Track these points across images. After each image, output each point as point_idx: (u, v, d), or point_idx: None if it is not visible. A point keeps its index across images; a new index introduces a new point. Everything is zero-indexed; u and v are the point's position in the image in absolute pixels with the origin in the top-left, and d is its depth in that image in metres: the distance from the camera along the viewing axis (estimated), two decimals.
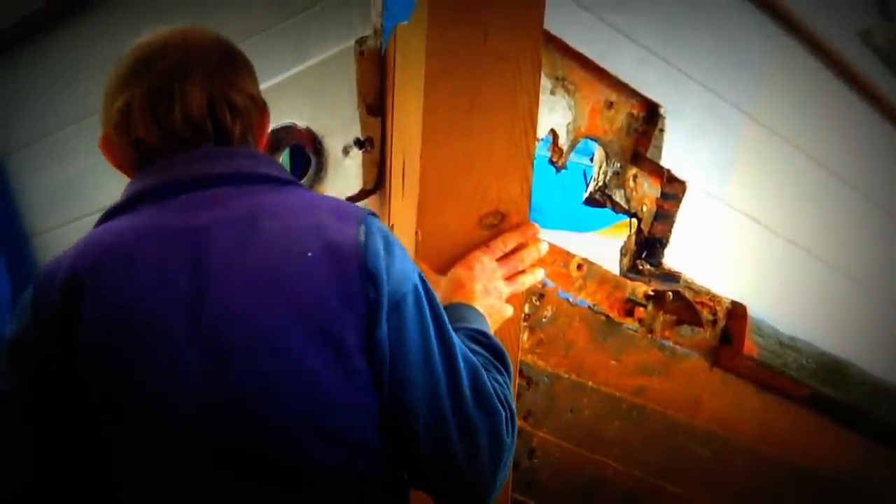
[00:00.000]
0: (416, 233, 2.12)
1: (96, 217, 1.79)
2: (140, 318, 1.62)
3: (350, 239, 1.67)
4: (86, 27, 2.99)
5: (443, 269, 2.09)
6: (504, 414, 1.75)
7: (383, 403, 1.67)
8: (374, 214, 1.76)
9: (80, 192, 3.14)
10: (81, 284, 1.64)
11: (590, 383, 2.83)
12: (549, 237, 2.22)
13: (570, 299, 2.71)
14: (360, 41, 2.40)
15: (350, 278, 1.65)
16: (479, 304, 2.02)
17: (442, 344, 1.71)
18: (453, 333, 1.75)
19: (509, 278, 2.12)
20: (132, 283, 1.64)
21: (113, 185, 1.84)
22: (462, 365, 1.73)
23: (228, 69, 1.80)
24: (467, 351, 1.77)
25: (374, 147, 2.43)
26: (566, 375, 2.78)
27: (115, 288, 1.64)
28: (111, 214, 1.76)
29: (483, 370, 1.77)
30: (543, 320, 2.66)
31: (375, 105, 2.42)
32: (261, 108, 1.84)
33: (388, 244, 1.71)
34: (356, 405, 1.66)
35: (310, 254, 1.65)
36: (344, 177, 2.49)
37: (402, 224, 2.22)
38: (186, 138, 1.76)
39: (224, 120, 1.78)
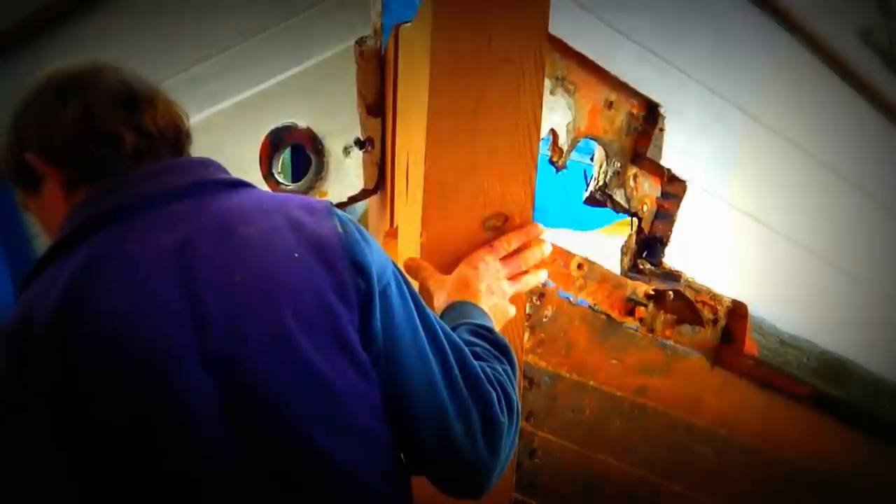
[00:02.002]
0: (421, 234, 2.12)
1: None
2: (149, 353, 1.57)
3: (330, 232, 1.67)
4: (86, 27, 2.98)
5: (446, 270, 2.09)
6: (495, 394, 1.75)
7: (381, 391, 1.67)
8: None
9: None
10: (69, 328, 1.56)
11: (591, 383, 2.83)
12: (549, 236, 2.22)
13: (571, 299, 2.70)
14: (360, 41, 2.40)
15: (340, 272, 1.64)
16: (484, 304, 2.02)
17: (425, 326, 1.72)
18: (432, 314, 1.76)
19: (513, 278, 2.12)
20: (130, 318, 1.58)
21: None
22: (447, 345, 1.73)
23: (165, 94, 1.78)
24: (448, 330, 1.77)
25: (375, 147, 2.43)
26: (567, 375, 2.77)
27: (111, 327, 1.57)
28: (63, 247, 1.65)
29: (467, 351, 1.76)
30: (544, 320, 2.66)
31: (375, 105, 2.42)
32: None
33: (362, 233, 1.71)
34: (368, 398, 1.66)
35: (296, 254, 1.64)
36: (345, 177, 2.49)
37: (406, 225, 2.22)
38: (158, 141, 1.72)
39: (182, 129, 1.77)
